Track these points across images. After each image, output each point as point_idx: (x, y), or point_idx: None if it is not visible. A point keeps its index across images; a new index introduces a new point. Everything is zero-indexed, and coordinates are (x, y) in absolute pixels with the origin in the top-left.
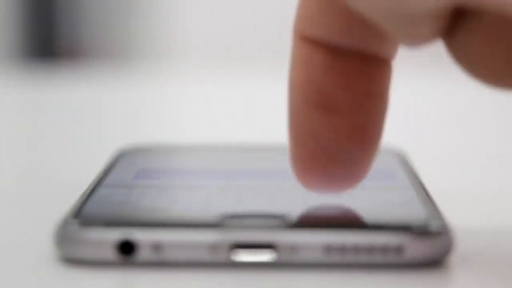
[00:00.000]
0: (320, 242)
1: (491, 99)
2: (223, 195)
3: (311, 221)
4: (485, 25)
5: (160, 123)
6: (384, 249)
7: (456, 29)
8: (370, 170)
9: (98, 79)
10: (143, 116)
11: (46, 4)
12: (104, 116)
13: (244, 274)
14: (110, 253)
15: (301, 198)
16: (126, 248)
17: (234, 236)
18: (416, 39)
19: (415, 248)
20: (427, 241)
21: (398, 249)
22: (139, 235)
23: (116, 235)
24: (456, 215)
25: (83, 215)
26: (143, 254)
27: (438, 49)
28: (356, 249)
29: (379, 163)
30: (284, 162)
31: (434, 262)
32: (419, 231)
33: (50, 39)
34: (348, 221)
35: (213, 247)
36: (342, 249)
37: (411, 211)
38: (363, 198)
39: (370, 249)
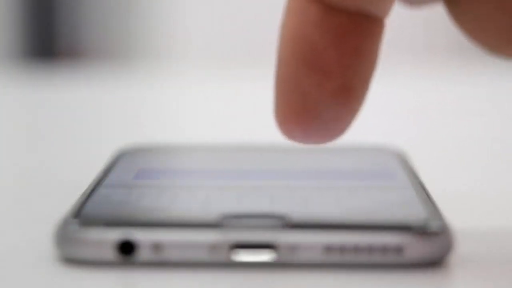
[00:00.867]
0: (320, 242)
1: (491, 99)
2: (223, 195)
3: (311, 221)
4: None
5: (160, 123)
6: (384, 249)
7: None
8: (350, 126)
9: (98, 79)
10: (143, 116)
11: (46, 4)
12: (104, 116)
13: (244, 274)
14: (110, 253)
15: (301, 198)
16: (126, 248)
17: (234, 236)
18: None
19: (415, 248)
20: (427, 241)
21: (398, 249)
22: (139, 235)
23: (116, 235)
24: (456, 215)
25: (83, 215)
26: (143, 254)
27: (438, 49)
28: (356, 249)
29: (379, 163)
30: (284, 162)
31: (434, 262)
32: (419, 231)
33: (50, 39)
34: (348, 221)
35: (213, 247)
36: (342, 249)
37: (411, 211)
38: (363, 198)
39: (370, 249)
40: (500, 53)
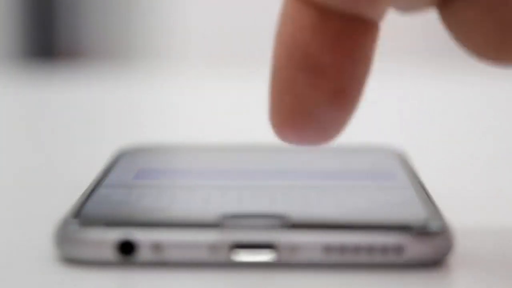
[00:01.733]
0: (320, 242)
1: (491, 99)
2: (223, 195)
3: (311, 221)
4: None
5: (160, 123)
6: (384, 249)
7: None
8: (345, 128)
9: (98, 79)
10: (143, 116)
11: (46, 4)
12: (104, 116)
13: (244, 274)
14: (110, 253)
15: (301, 198)
16: (126, 248)
17: (234, 236)
18: (411, 5)
19: (415, 248)
20: (427, 241)
21: (398, 249)
22: (139, 235)
23: (116, 235)
24: (456, 215)
25: (83, 215)
26: (143, 254)
27: (438, 50)
28: (356, 249)
29: (379, 163)
30: (284, 162)
31: (434, 262)
32: (419, 231)
33: (50, 39)
34: (348, 221)
35: (213, 247)
36: (342, 249)
37: (411, 211)
38: (363, 198)
39: (370, 249)
40: (489, 59)
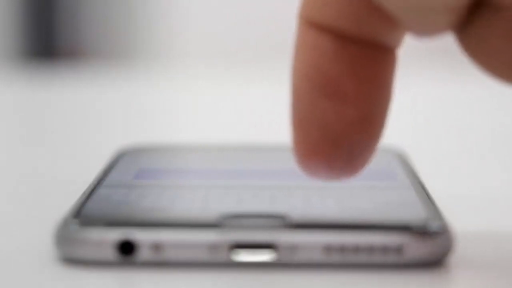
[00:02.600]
0: (320, 242)
1: (491, 99)
2: (223, 195)
3: (311, 221)
4: (503, 18)
5: (160, 123)
6: (384, 249)
7: (471, 21)
8: (371, 161)
9: (98, 79)
10: (143, 116)
11: (46, 4)
12: (104, 116)
13: (244, 274)
14: (110, 253)
15: (301, 198)
16: (126, 248)
17: (234, 236)
18: (429, 30)
19: (415, 248)
20: (427, 241)
21: (398, 249)
22: (139, 235)
23: (116, 235)
24: (456, 215)
25: (83, 215)
26: (143, 254)
27: (438, 50)
28: (356, 249)
29: (379, 163)
30: (284, 162)
31: (434, 262)
32: (419, 231)
33: (50, 39)
34: (348, 221)
35: (213, 247)
36: (342, 249)
37: (411, 211)
38: (363, 198)
39: (370, 249)
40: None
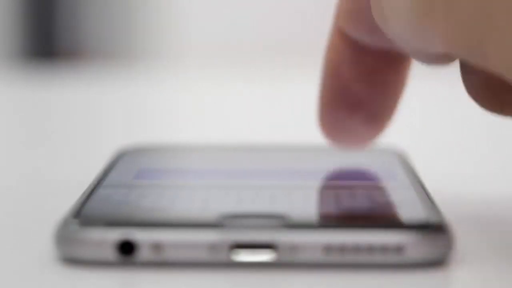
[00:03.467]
0: (320, 242)
1: None
2: (223, 195)
3: (311, 221)
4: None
5: (160, 123)
6: (384, 249)
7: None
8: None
9: (98, 79)
10: (143, 116)
11: (46, 4)
12: (104, 116)
13: (244, 274)
14: (110, 253)
15: (301, 198)
16: (126, 248)
17: (234, 236)
18: (431, 63)
19: (415, 248)
20: (427, 240)
21: (398, 249)
22: (139, 235)
23: (116, 235)
24: (456, 215)
25: (83, 215)
26: (143, 254)
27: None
28: (356, 249)
29: (379, 163)
30: (284, 162)
31: (434, 262)
32: (419, 231)
33: (50, 39)
34: (348, 221)
35: (213, 247)
36: (342, 249)
37: (411, 211)
38: (363, 198)
39: (370, 249)
40: (502, 115)
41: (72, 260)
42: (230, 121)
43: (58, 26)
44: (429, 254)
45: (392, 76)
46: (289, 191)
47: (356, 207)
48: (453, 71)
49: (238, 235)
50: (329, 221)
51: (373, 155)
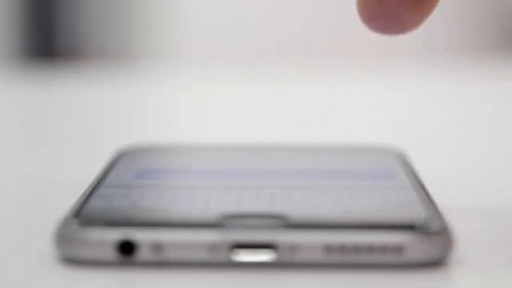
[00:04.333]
0: (320, 242)
1: (491, 99)
2: (223, 195)
3: (311, 221)
4: None
5: (160, 123)
6: (384, 249)
7: None
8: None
9: (98, 79)
10: (143, 116)
11: (46, 4)
12: (104, 116)
13: (244, 274)
14: (110, 253)
15: (301, 198)
16: (126, 248)
17: (234, 236)
18: None
19: (415, 248)
20: (427, 241)
21: (398, 249)
22: (139, 235)
23: (116, 235)
24: (456, 215)
25: (83, 215)
26: (143, 254)
27: (439, 50)
28: (356, 249)
29: (379, 163)
30: (284, 162)
31: (434, 262)
32: (419, 231)
33: (50, 39)
34: (348, 221)
35: (213, 247)
36: (342, 249)
37: (411, 211)
38: (363, 198)
39: (370, 249)
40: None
41: (72, 260)
42: (230, 121)
43: (58, 26)
44: (429, 254)
45: None
46: (289, 191)
47: (356, 207)
48: (453, 71)
49: (238, 235)
50: (329, 221)
51: (373, 155)
